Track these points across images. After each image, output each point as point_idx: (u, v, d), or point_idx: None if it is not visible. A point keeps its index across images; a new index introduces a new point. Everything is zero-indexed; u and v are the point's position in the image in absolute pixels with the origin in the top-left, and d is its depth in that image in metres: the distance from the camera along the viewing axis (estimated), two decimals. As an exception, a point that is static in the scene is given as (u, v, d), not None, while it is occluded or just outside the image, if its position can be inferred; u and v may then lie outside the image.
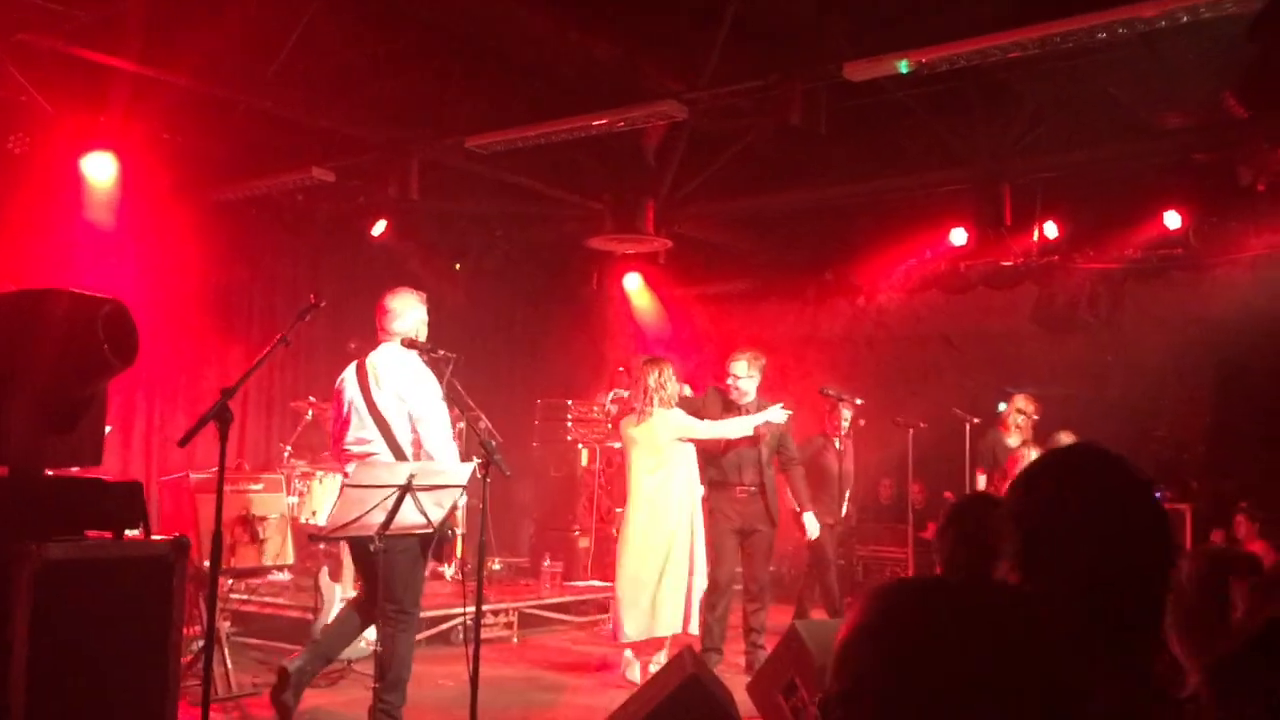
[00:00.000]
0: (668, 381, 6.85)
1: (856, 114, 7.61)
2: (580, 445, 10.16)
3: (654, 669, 6.30)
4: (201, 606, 5.63)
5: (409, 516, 4.81)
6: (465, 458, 5.30)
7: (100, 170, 7.72)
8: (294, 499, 7.28)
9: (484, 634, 4.91)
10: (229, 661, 5.98)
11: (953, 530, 3.12)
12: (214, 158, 8.37)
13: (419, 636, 5.79)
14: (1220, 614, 2.29)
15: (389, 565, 4.92)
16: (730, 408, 7.10)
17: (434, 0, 6.66)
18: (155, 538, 3.95)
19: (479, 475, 4.75)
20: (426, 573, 5.54)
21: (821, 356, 10.86)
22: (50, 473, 3.73)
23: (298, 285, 9.61)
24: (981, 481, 8.06)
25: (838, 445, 8.33)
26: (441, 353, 5.22)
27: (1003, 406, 8.39)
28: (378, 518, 4.72)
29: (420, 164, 8.00)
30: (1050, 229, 8.77)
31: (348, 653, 5.87)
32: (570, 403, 10.36)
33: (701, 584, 6.85)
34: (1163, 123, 7.63)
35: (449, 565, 8.75)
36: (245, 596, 7.33)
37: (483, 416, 4.95)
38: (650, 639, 6.77)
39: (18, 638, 3.28)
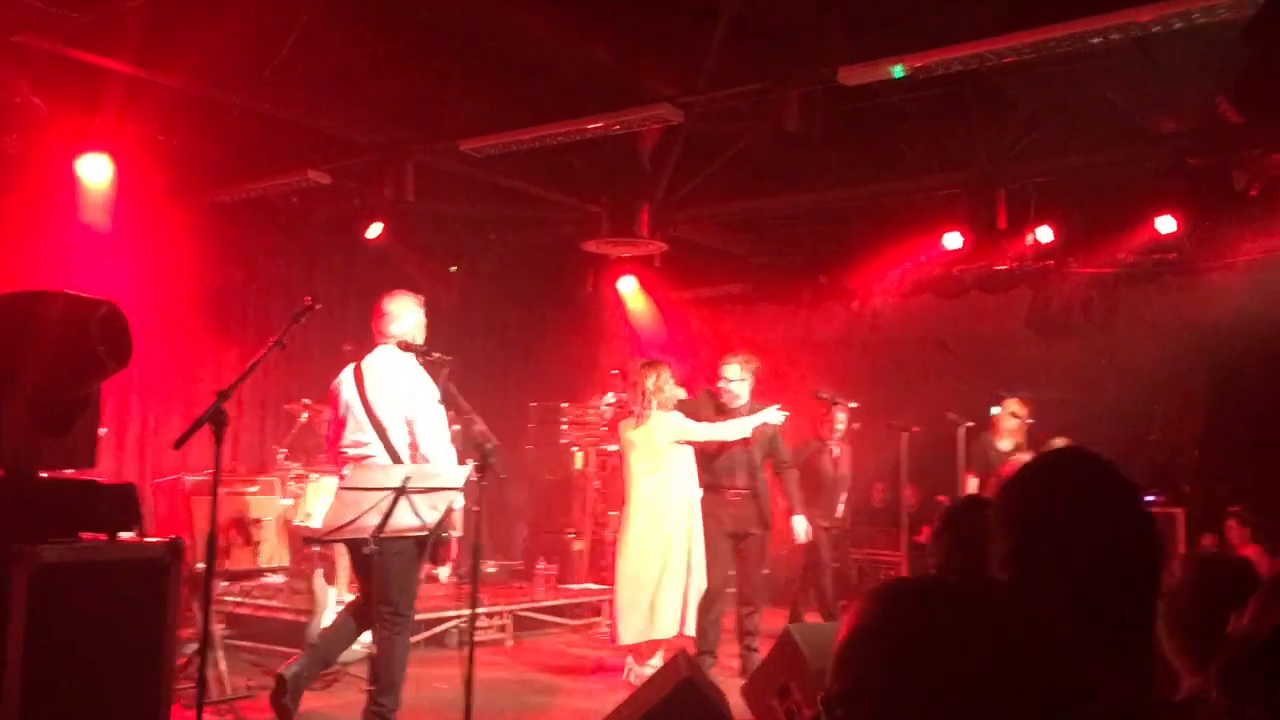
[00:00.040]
0: (666, 384, 6.85)
1: (852, 118, 7.63)
2: (575, 448, 10.16)
3: (649, 672, 6.30)
4: (196, 609, 5.61)
5: (404, 519, 4.81)
6: (461, 460, 5.29)
7: (95, 172, 7.69)
8: (289, 501, 7.27)
9: (479, 637, 4.92)
10: (223, 664, 5.95)
11: (948, 534, 3.11)
12: (209, 160, 8.35)
13: (414, 639, 5.78)
14: (1211, 618, 2.30)
15: (384, 568, 4.93)
16: (722, 410, 7.10)
17: (433, 1, 6.67)
18: (150, 540, 3.94)
19: (474, 478, 4.75)
20: (422, 575, 5.53)
21: (816, 360, 10.85)
22: (45, 474, 3.72)
23: (293, 287, 9.56)
24: (973, 485, 7.95)
25: (834, 449, 8.31)
26: (437, 356, 5.22)
27: (995, 410, 8.39)
28: (373, 520, 4.72)
29: (416, 167, 7.99)
30: (1045, 233, 8.76)
31: (343, 655, 5.86)
32: (565, 406, 10.35)
33: (700, 586, 6.84)
34: (1157, 127, 7.65)
35: (444, 568, 8.74)
36: (240, 599, 7.33)
37: (478, 419, 4.93)
38: (648, 641, 6.77)
39: (12, 640, 3.27)
